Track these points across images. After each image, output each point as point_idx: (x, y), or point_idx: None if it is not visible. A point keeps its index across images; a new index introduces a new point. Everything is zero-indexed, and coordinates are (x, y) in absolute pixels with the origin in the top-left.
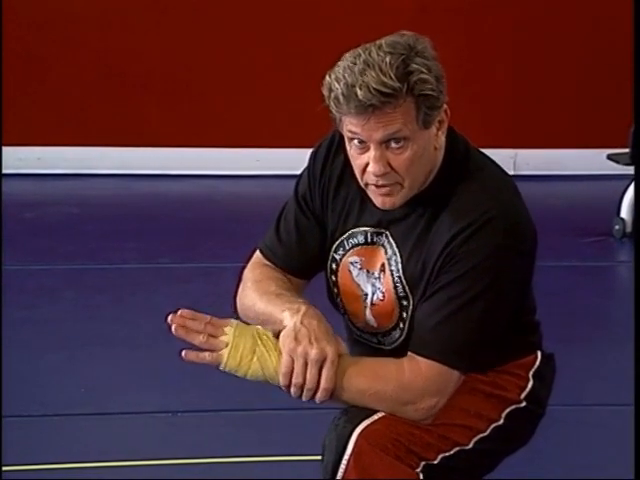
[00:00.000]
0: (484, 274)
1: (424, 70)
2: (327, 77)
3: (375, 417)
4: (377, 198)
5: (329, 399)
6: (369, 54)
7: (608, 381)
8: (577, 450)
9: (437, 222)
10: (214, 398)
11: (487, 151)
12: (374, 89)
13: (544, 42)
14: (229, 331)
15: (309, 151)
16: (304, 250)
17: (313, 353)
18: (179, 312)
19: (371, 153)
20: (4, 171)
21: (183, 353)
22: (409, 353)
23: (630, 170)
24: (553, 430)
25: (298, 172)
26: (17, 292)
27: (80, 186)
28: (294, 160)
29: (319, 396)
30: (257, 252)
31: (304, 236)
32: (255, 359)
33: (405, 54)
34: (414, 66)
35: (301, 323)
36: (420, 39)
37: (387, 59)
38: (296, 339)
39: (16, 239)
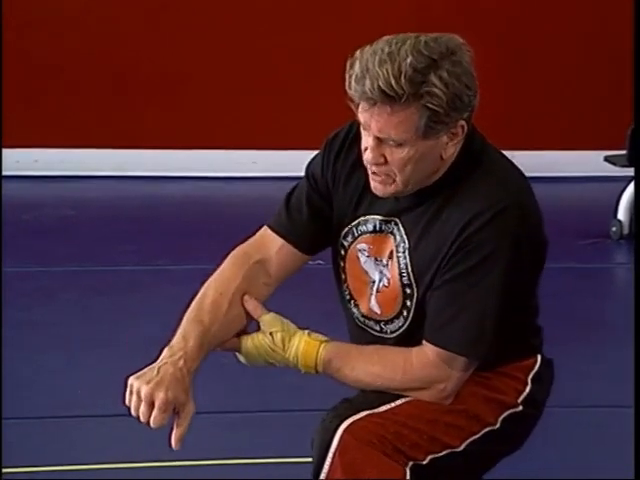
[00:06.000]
0: (498, 263)
1: (440, 85)
2: (359, 51)
3: (363, 414)
4: (371, 181)
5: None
6: (399, 47)
7: (606, 382)
8: (577, 450)
9: (448, 209)
10: (210, 400)
11: None
12: (378, 87)
13: (541, 43)
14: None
15: (307, 153)
16: (316, 226)
17: (144, 391)
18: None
19: (369, 140)
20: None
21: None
22: (423, 342)
23: (627, 172)
24: (552, 431)
25: (295, 174)
26: (15, 294)
27: (77, 188)
28: (291, 162)
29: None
30: (263, 229)
31: (316, 213)
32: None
33: (433, 61)
34: (432, 78)
35: (159, 366)
36: (461, 50)
37: (409, 60)
38: (139, 377)
39: (13, 241)
